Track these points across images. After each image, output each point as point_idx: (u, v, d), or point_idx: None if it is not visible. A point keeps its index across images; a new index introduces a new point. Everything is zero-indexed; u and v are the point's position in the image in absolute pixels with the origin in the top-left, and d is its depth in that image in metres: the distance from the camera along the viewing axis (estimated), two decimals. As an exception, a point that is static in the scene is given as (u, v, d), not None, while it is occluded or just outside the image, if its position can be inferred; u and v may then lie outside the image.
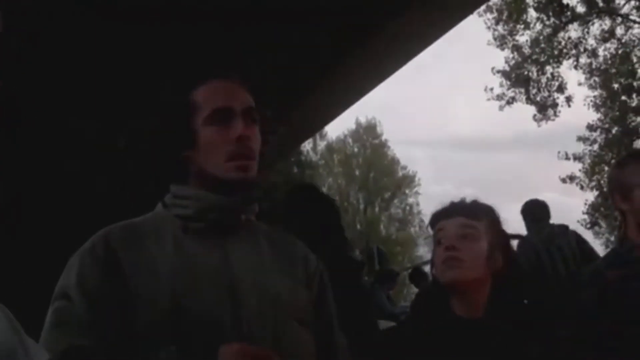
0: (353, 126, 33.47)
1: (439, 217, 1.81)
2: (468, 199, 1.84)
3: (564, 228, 5.15)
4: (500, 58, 19.39)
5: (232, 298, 1.39)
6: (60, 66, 4.14)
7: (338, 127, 38.30)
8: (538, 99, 18.63)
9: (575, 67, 18.52)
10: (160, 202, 1.55)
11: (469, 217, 1.78)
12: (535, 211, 5.17)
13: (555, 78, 18.51)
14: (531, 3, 17.95)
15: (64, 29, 3.84)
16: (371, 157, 33.02)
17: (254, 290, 1.42)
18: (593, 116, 18.98)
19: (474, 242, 1.74)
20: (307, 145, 29.07)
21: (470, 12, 5.02)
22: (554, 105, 18.55)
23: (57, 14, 3.73)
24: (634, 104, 18.09)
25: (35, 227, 4.89)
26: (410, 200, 33.12)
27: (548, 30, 18.15)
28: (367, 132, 33.45)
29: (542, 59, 18.42)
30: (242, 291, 1.40)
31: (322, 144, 32.63)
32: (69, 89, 4.33)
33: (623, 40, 18.09)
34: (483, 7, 17.39)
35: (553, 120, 18.66)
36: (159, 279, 1.36)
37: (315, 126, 7.02)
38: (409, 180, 33.10)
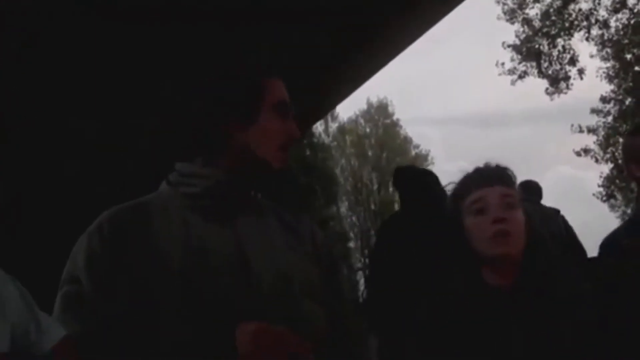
0: (364, 106, 33.37)
1: (476, 184, 1.75)
2: (494, 164, 1.81)
3: (554, 211, 5.08)
4: (511, 32, 19.20)
5: (245, 277, 1.39)
6: (60, 66, 4.13)
7: (349, 108, 38.26)
8: (550, 72, 18.43)
9: (587, 39, 18.28)
10: (165, 180, 1.54)
11: (508, 185, 1.75)
12: (528, 192, 5.10)
13: (567, 51, 18.29)
14: (540, -25, 17.74)
15: (63, 28, 3.83)
16: (383, 137, 32.89)
17: (267, 268, 1.42)
18: (606, 88, 18.79)
19: (516, 212, 1.71)
20: (319, 127, 29.03)
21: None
22: (566, 78, 18.35)
23: (57, 14, 3.72)
24: (647, 74, 17.88)
25: (35, 227, 4.90)
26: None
27: (558, 2, 17.90)
28: (379, 112, 33.31)
29: (552, 32, 18.19)
30: (254, 269, 1.40)
31: (333, 126, 32.54)
32: (69, 89, 4.32)
33: (635, 10, 17.81)
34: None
35: (565, 93, 18.48)
36: (169, 259, 1.35)
37: (326, 107, 7.00)
38: (421, 159, 32.94)
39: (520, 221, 1.71)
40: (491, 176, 1.76)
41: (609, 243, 2.24)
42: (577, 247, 4.65)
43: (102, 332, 1.31)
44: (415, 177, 3.87)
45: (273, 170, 1.49)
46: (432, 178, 3.74)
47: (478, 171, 1.79)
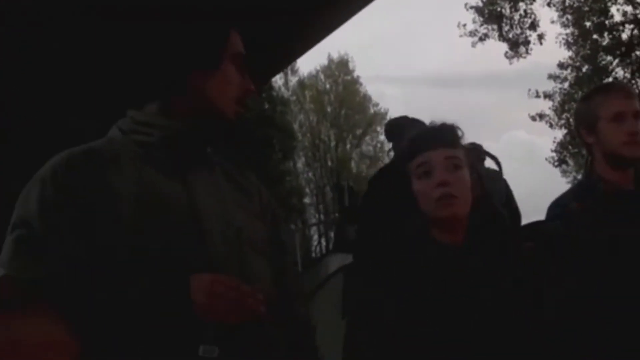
0: (325, 62, 33.18)
1: (419, 147, 1.74)
2: (438, 124, 1.80)
3: (499, 174, 5.05)
4: (474, -7, 19.14)
5: (196, 230, 1.36)
6: (59, 65, 4.03)
7: (310, 63, 38.01)
8: (510, 35, 18.55)
9: (549, 4, 18.40)
10: (116, 126, 1.49)
11: (452, 146, 1.74)
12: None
13: (528, 15, 18.40)
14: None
15: (63, 28, 3.72)
16: (343, 93, 32.81)
17: (218, 222, 1.40)
18: (564, 54, 19.00)
19: (461, 173, 1.71)
20: (278, 81, 28.83)
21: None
22: (526, 42, 18.50)
23: (56, 14, 3.60)
24: (605, 43, 18.08)
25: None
26: (382, 137, 33.11)
27: (522, -34, 17.97)
28: (339, 68, 33.15)
29: (515, -5, 18.27)
30: (206, 223, 1.38)
31: (293, 80, 32.32)
32: (68, 88, 4.23)
33: (597, -22, 18.00)
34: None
35: (524, 57, 18.65)
36: (121, 209, 1.32)
37: (286, 59, 6.92)
38: (380, 118, 33.01)
39: (465, 181, 1.71)
40: (436, 138, 1.75)
41: (556, 206, 2.26)
42: (514, 211, 4.69)
43: (56, 276, 1.27)
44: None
45: (228, 122, 1.47)
46: None
47: (422, 133, 1.79)
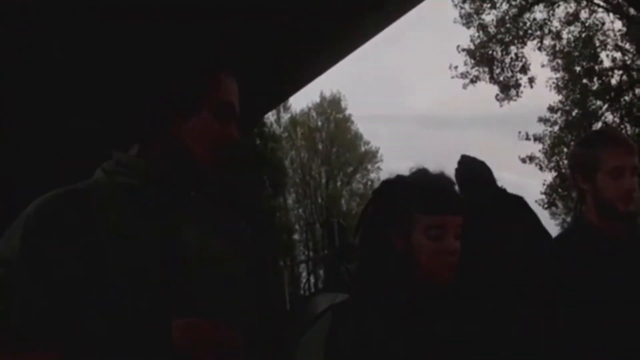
0: (317, 99, 33.41)
1: (441, 209, 1.70)
2: (448, 179, 1.78)
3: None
4: (466, 36, 19.48)
5: (179, 274, 1.35)
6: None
7: (302, 100, 38.23)
8: (501, 78, 18.77)
9: (539, 49, 18.69)
10: (101, 168, 1.48)
11: (463, 215, 1.73)
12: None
13: (519, 58, 18.66)
14: (498, -18, 18.02)
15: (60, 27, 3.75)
16: (334, 131, 32.99)
17: (202, 266, 1.39)
18: (554, 98, 19.23)
19: (459, 241, 1.71)
20: (270, 117, 28.97)
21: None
22: (517, 85, 18.72)
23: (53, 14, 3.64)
24: (594, 87, 18.34)
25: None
26: (372, 175, 33.22)
27: (514, 10, 18.25)
28: (332, 106, 33.38)
29: (507, 39, 18.52)
30: (189, 267, 1.37)
31: (285, 117, 32.50)
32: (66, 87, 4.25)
33: (587, 24, 18.29)
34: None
35: (515, 100, 18.85)
36: (104, 249, 1.31)
37: (279, 96, 6.96)
38: (371, 156, 33.20)
39: (459, 250, 1.72)
40: (456, 203, 1.74)
41: (545, 252, 2.28)
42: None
43: (27, 317, 1.26)
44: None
45: (204, 169, 1.45)
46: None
47: (444, 193, 1.74)
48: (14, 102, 4.17)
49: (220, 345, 1.28)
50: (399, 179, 1.82)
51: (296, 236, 30.39)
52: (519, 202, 4.70)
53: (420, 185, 1.76)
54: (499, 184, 4.64)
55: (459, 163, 4.49)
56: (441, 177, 1.78)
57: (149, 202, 1.41)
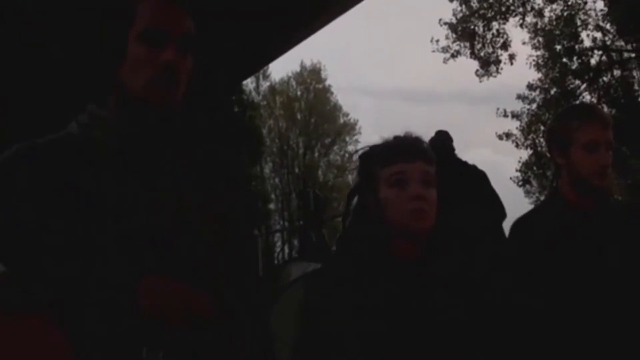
0: (298, 69, 33.19)
1: (399, 156, 1.71)
2: (414, 136, 1.78)
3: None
4: (449, 10, 19.39)
5: (149, 228, 1.32)
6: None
7: (282, 69, 37.99)
8: (482, 54, 18.80)
9: (521, 26, 18.71)
10: (75, 121, 1.43)
11: (427, 161, 1.73)
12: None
13: (501, 35, 18.69)
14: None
15: None
16: (314, 101, 32.83)
17: (172, 221, 1.35)
18: (534, 76, 19.29)
19: (432, 189, 1.70)
20: (249, 85, 28.74)
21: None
22: (497, 61, 18.78)
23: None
24: (574, 67, 18.42)
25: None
26: (350, 147, 33.18)
27: (497, -15, 18.22)
28: (312, 76, 33.18)
29: (489, 15, 18.51)
30: (158, 220, 1.33)
31: (265, 85, 32.27)
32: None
33: (569, 3, 18.32)
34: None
35: (495, 77, 18.93)
36: (72, 203, 1.28)
37: (258, 62, 6.88)
38: (349, 128, 33.13)
39: (434, 199, 1.71)
40: (416, 150, 1.73)
41: (518, 224, 2.28)
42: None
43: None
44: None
45: (154, 107, 1.37)
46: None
47: (402, 143, 1.76)
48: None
49: (189, 307, 1.25)
50: (370, 147, 1.82)
51: (272, 205, 30.37)
52: (480, 176, 4.88)
53: (381, 144, 1.78)
54: (473, 160, 4.85)
55: (435, 134, 4.96)
56: (404, 135, 1.78)
57: (120, 161, 1.36)
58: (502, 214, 4.66)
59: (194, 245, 1.37)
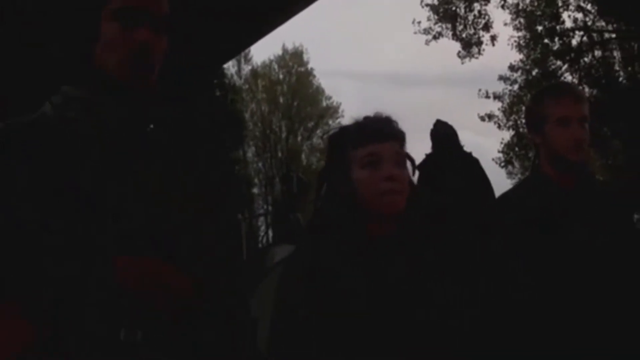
0: (279, 52, 33.02)
1: (369, 138, 1.72)
2: (385, 116, 1.78)
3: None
4: (431, -9, 19.29)
5: (129, 210, 1.29)
6: None
7: (264, 52, 37.79)
8: (464, 35, 18.80)
9: (502, 7, 18.71)
10: (48, 102, 1.40)
11: (399, 142, 1.74)
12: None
13: (482, 16, 18.69)
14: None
15: None
16: (296, 85, 32.71)
17: (151, 204, 1.32)
18: (515, 57, 19.35)
19: (404, 169, 1.71)
20: (231, 69, 28.57)
21: None
22: (479, 43, 18.81)
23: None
24: (555, 48, 18.47)
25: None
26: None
27: (479, -34, 18.20)
28: (293, 59, 33.04)
29: (471, -5, 18.50)
30: (139, 203, 1.31)
31: (246, 68, 32.09)
32: None
33: (550, -17, 18.33)
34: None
35: (477, 58, 18.96)
36: (46, 184, 1.26)
37: (239, 44, 6.83)
38: (332, 111, 33.05)
39: (406, 179, 1.72)
40: (388, 131, 1.74)
41: (500, 201, 2.29)
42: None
43: None
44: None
45: (127, 88, 1.36)
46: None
47: (373, 123, 1.76)
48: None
49: (168, 287, 1.24)
50: (341, 128, 1.83)
51: (255, 190, 30.32)
52: (475, 164, 4.95)
53: (352, 125, 1.78)
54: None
55: (434, 125, 4.91)
56: (374, 115, 1.78)
57: (94, 141, 1.33)
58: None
59: (174, 224, 1.34)
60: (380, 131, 1.73)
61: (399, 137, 1.75)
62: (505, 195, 2.34)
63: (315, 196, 1.85)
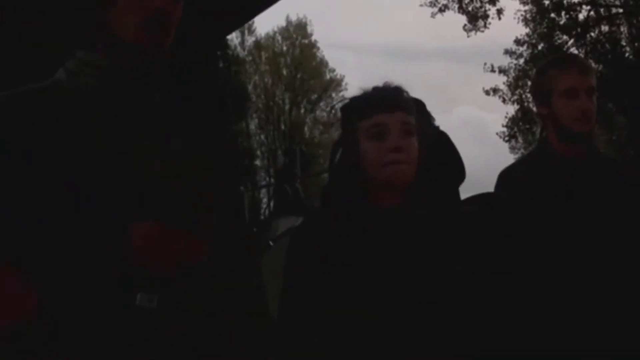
0: (283, 23, 32.79)
1: (377, 108, 1.69)
2: (393, 86, 1.76)
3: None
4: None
5: (140, 177, 1.29)
6: None
7: (267, 24, 37.54)
8: (470, 8, 18.62)
9: (510, -20, 18.51)
10: (63, 68, 1.40)
11: (407, 112, 1.71)
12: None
13: (489, -11, 18.49)
14: None
15: None
16: (300, 57, 32.52)
17: (162, 169, 1.33)
18: (522, 31, 19.19)
19: (412, 140, 1.68)
20: (234, 40, 28.40)
21: None
22: (485, 16, 18.62)
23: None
24: (561, 22, 18.32)
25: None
26: (337, 106, 32.93)
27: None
28: (297, 31, 32.81)
29: (478, -32, 18.30)
30: (149, 168, 1.31)
31: (250, 40, 31.88)
32: None
33: (558, -44, 18.12)
34: None
35: (482, 32, 18.78)
36: (60, 151, 1.25)
37: (242, 15, 6.77)
38: (335, 84, 32.90)
39: (415, 149, 1.70)
40: (395, 101, 1.71)
41: (506, 174, 2.29)
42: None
43: None
44: None
45: (143, 53, 1.36)
46: None
47: (380, 94, 1.74)
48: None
49: (183, 252, 1.24)
50: (350, 99, 1.81)
51: (258, 162, 30.32)
52: (442, 137, 4.93)
53: (360, 95, 1.76)
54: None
55: None
56: (383, 85, 1.76)
57: (111, 104, 1.33)
58: (462, 175, 4.68)
59: (186, 191, 1.35)
60: (387, 101, 1.71)
61: (407, 106, 1.72)
62: (510, 167, 2.33)
63: (329, 165, 1.85)
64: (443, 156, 4.60)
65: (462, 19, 18.80)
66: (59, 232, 1.20)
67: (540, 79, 2.29)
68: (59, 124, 1.28)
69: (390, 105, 1.70)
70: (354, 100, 1.78)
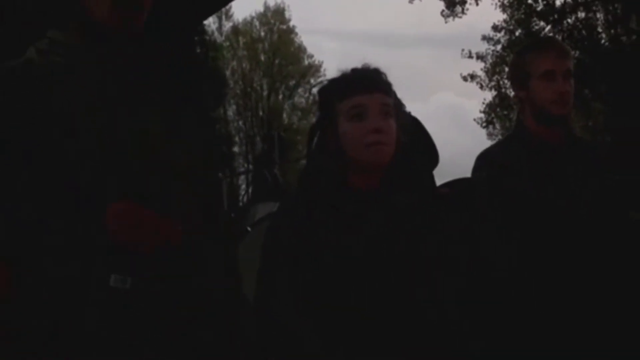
0: (261, 9, 32.61)
1: (356, 89, 1.69)
2: (373, 68, 1.76)
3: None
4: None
5: (118, 154, 1.29)
6: None
7: (245, 9, 37.31)
8: (448, -6, 18.63)
9: (487, -34, 18.55)
10: (33, 47, 1.37)
11: (386, 93, 1.71)
12: None
13: (467, -26, 18.50)
14: None
15: None
16: (278, 42, 32.38)
17: (142, 147, 1.32)
18: (499, 17, 19.25)
19: (391, 121, 1.68)
20: (212, 26, 28.19)
21: None
22: (463, 2, 18.64)
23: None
24: (539, 8, 18.41)
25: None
26: (315, 90, 32.95)
27: None
28: (275, 17, 32.64)
29: (455, -47, 18.31)
30: (128, 147, 1.30)
31: (227, 25, 31.67)
32: None
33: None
34: None
35: (460, 17, 18.80)
36: (38, 129, 1.25)
37: (218, 1, 6.71)
38: (314, 70, 32.82)
39: (393, 130, 1.70)
40: (374, 82, 1.71)
41: (483, 157, 2.30)
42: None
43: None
44: None
45: (116, 32, 1.34)
46: None
47: (359, 75, 1.74)
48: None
49: (158, 233, 1.23)
50: (329, 81, 1.81)
51: (236, 148, 30.22)
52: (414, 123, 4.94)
53: (339, 77, 1.76)
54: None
55: None
56: (362, 66, 1.75)
57: (88, 82, 1.32)
58: (435, 160, 4.69)
59: (162, 171, 1.34)
60: (365, 82, 1.70)
61: (386, 88, 1.73)
62: (488, 150, 2.34)
63: (307, 150, 1.84)
64: (416, 142, 4.61)
65: (440, 5, 18.84)
66: (59, 232, 1.20)
67: (519, 62, 2.29)
68: (33, 100, 1.27)
69: (370, 86, 1.70)
70: (333, 82, 1.78)
